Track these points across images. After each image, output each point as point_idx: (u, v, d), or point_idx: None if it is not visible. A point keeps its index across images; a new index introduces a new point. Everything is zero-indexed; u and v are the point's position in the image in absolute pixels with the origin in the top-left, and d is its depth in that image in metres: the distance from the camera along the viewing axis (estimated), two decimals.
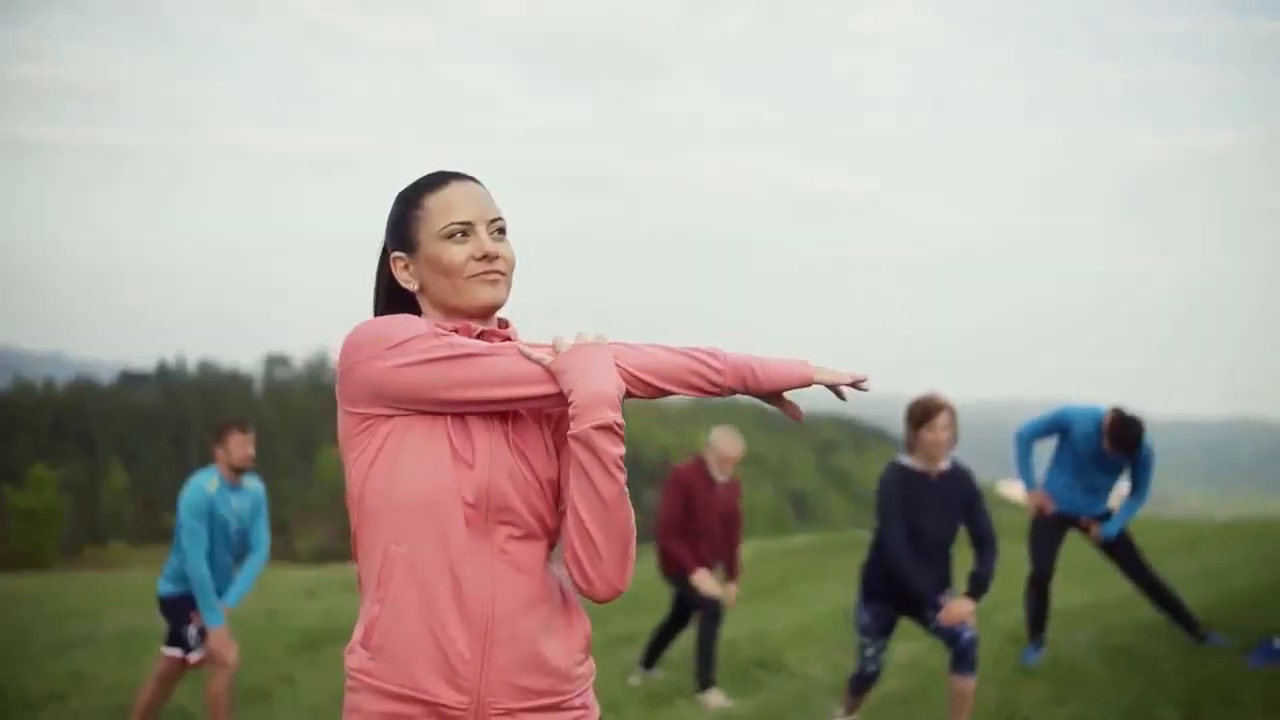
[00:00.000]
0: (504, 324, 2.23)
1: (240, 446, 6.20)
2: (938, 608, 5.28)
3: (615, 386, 2.04)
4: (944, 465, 5.43)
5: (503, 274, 2.16)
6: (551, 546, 2.17)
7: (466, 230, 2.14)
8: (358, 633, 2.12)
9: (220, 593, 6.22)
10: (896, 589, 5.39)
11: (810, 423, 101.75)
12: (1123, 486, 7.14)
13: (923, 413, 5.34)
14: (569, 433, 2.04)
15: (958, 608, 5.25)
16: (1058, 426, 7.05)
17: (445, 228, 2.14)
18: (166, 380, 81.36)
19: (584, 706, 2.17)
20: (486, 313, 2.17)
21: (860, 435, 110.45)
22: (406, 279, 2.20)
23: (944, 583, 5.42)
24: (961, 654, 5.28)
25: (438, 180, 2.19)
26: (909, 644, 7.52)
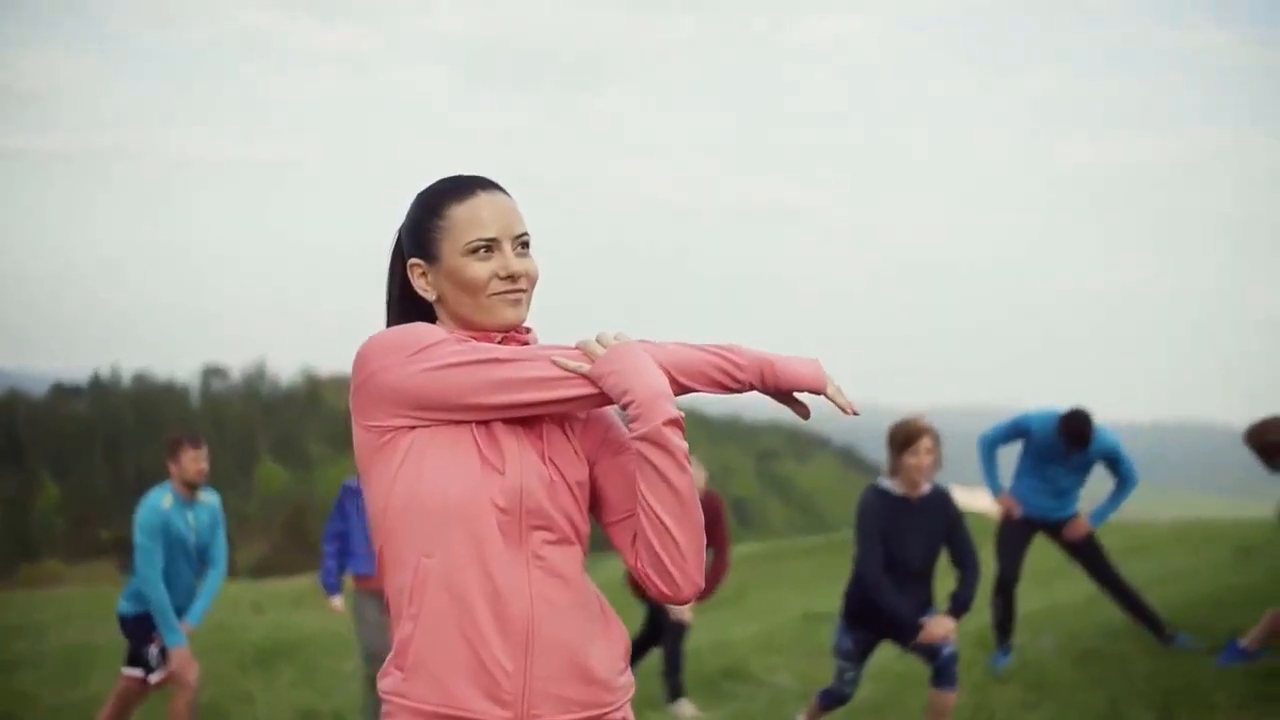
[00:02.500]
0: (524, 330, 2.15)
1: (193, 461, 6.06)
2: (917, 630, 5.23)
3: (665, 381, 1.99)
4: (925, 489, 5.38)
5: (525, 292, 2.10)
6: (585, 552, 2.10)
7: (491, 246, 2.07)
8: (391, 655, 2.03)
9: (182, 611, 6.09)
10: (878, 614, 5.33)
11: (749, 430, 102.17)
12: (1098, 493, 7.16)
13: (905, 437, 5.27)
14: (634, 434, 1.97)
15: (938, 626, 5.21)
16: (1018, 431, 7.07)
17: (470, 243, 2.06)
18: (100, 392, 79.93)
19: (625, 719, 2.10)
20: (506, 331, 2.10)
21: (801, 443, 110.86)
22: (424, 288, 2.12)
23: (925, 608, 5.36)
24: (942, 669, 5.25)
25: (464, 188, 2.10)
26: (878, 652, 7.48)
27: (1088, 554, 7.14)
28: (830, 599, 12.16)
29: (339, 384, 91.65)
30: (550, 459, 2.04)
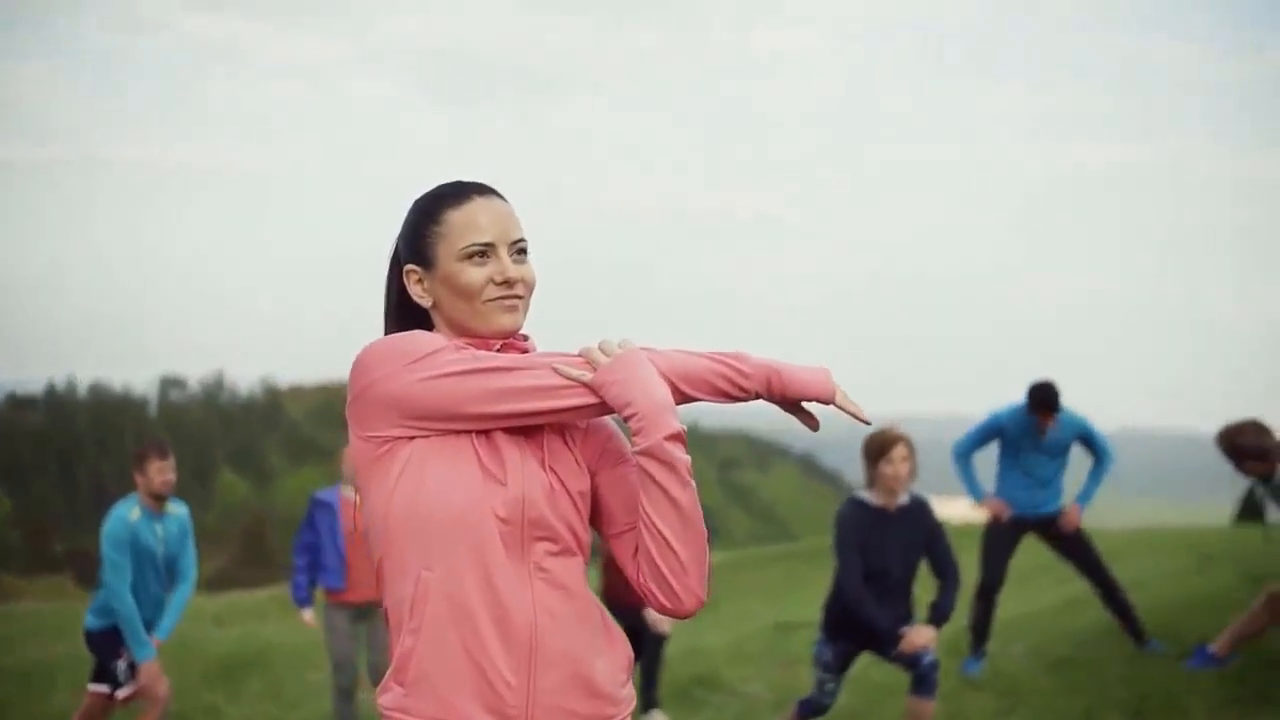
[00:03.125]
0: (523, 338, 2.13)
1: (160, 473, 5.96)
2: (898, 640, 5.23)
3: (668, 393, 1.96)
4: (903, 499, 5.37)
5: (521, 298, 2.07)
6: (586, 563, 2.07)
7: (487, 251, 2.04)
8: (390, 670, 1.99)
9: (151, 624, 6.00)
10: (859, 626, 5.32)
11: (710, 438, 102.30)
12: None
13: (879, 447, 5.26)
14: (636, 449, 1.94)
15: (918, 635, 5.21)
16: (990, 431, 7.10)
17: (465, 248, 2.03)
18: (55, 403, 79.01)
19: None
20: (503, 338, 2.07)
21: (763, 452, 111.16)
22: (420, 294, 2.09)
23: (905, 619, 5.36)
24: (922, 677, 5.25)
25: (460, 193, 2.08)
26: (855, 660, 7.48)
27: (1080, 551, 7.13)
28: (799, 608, 12.17)
29: (299, 394, 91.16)
30: (552, 469, 2.01)
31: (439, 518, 1.93)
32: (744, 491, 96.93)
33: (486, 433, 1.98)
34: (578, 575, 2.03)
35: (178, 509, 6.15)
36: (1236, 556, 10.54)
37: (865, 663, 7.48)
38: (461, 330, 2.06)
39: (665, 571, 1.97)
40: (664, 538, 1.95)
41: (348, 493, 6.69)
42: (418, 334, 2.01)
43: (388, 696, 1.99)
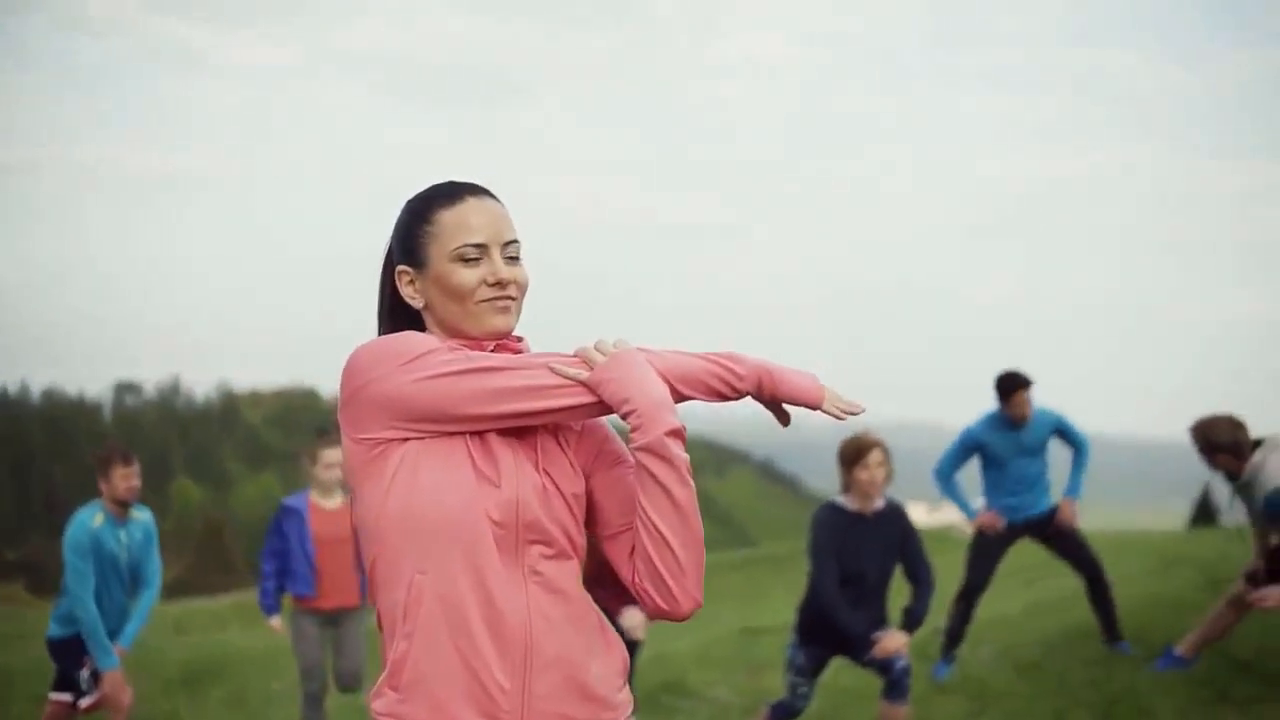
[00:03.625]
0: (516, 339, 2.11)
1: (124, 479, 5.89)
2: (871, 645, 5.23)
3: (666, 390, 1.95)
4: (879, 504, 5.39)
5: (514, 299, 2.05)
6: (580, 565, 2.05)
7: (480, 253, 2.02)
8: (383, 674, 1.97)
9: (114, 632, 5.92)
10: (832, 630, 5.32)
11: None
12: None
13: (855, 452, 5.28)
14: (634, 445, 1.93)
15: (891, 640, 5.22)
16: (967, 446, 7.10)
17: (457, 249, 2.01)
18: (8, 408, 78.04)
19: None
20: (496, 339, 2.05)
21: (723, 457, 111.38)
22: (412, 295, 2.07)
23: (880, 624, 5.36)
24: (895, 682, 5.26)
25: (452, 193, 2.06)
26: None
27: (1075, 547, 7.14)
28: (764, 613, 12.19)
29: (257, 399, 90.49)
30: (546, 471, 1.99)
31: (432, 520, 1.91)
32: (701, 496, 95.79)
33: (480, 434, 1.96)
34: (572, 578, 2.01)
35: (142, 515, 6.07)
36: (1196, 559, 10.65)
37: (835, 667, 7.47)
38: (454, 331, 2.04)
39: (663, 572, 1.95)
40: (662, 537, 1.94)
41: (316, 498, 6.63)
42: (410, 335, 1.98)
43: (381, 701, 1.96)
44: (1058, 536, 7.13)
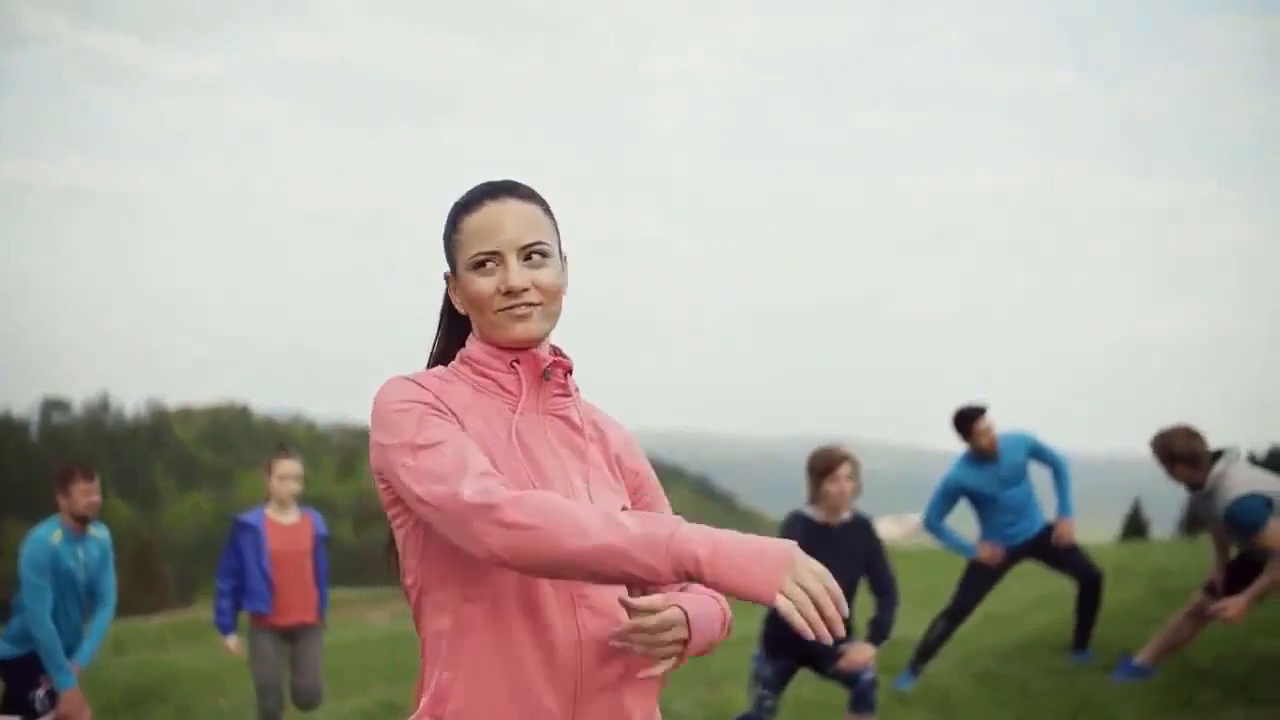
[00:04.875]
0: (560, 355, 2.05)
1: (84, 495, 5.77)
2: (837, 657, 5.25)
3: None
4: (845, 516, 5.41)
5: (535, 305, 1.95)
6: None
7: (494, 259, 1.95)
8: (425, 702, 1.91)
9: (70, 651, 5.79)
10: (798, 642, 5.33)
11: None
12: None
13: (824, 465, 5.32)
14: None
15: (858, 653, 5.25)
16: (950, 490, 7.13)
17: (473, 257, 1.95)
18: None
19: None
20: (521, 347, 1.98)
21: (657, 474, 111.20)
22: (458, 302, 2.03)
23: (845, 636, 5.37)
24: (861, 695, 5.28)
25: (475, 199, 1.99)
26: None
27: (1073, 560, 7.18)
28: None
29: (187, 417, 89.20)
30: (597, 492, 1.97)
31: None
32: None
33: (529, 456, 1.92)
34: (614, 599, 1.95)
35: (99, 532, 5.96)
36: (1138, 571, 10.81)
37: (800, 679, 7.51)
38: (487, 339, 2.00)
39: None
40: None
41: (272, 513, 6.54)
42: (392, 395, 1.91)
43: None
44: (1055, 554, 7.18)
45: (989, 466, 7.03)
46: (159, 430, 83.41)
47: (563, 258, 2.04)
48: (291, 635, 6.54)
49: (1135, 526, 50.71)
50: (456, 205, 2.02)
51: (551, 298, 1.97)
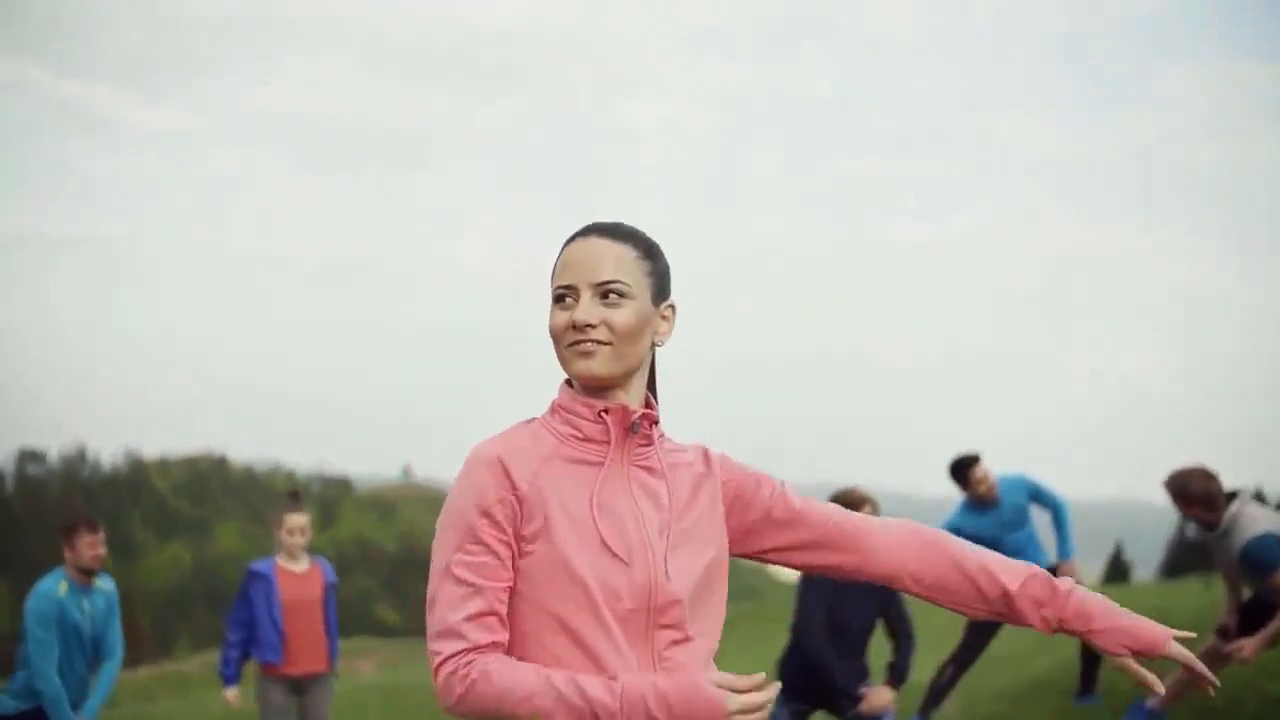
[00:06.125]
0: (650, 405, 2.03)
1: (90, 547, 5.74)
2: (857, 700, 5.23)
3: None
4: None
5: (601, 343, 1.91)
6: (714, 646, 1.97)
7: (569, 294, 1.94)
8: None
9: (76, 704, 5.72)
10: (815, 684, 5.31)
11: None
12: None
13: (845, 506, 5.30)
14: None
15: (878, 696, 5.23)
16: None
17: (555, 290, 1.96)
18: None
19: None
20: (587, 383, 1.95)
21: None
22: None
23: (863, 675, 5.37)
24: None
25: (573, 236, 2.00)
26: None
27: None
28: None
29: (165, 467, 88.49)
30: (671, 553, 1.92)
31: (556, 605, 1.86)
32: None
33: (609, 516, 1.90)
34: (703, 663, 1.93)
35: (105, 584, 5.92)
36: (1145, 611, 10.76)
37: None
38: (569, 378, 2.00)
39: None
40: None
41: (283, 561, 6.48)
42: (462, 485, 1.92)
43: None
44: None
45: (990, 511, 7.04)
46: (136, 481, 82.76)
47: (666, 305, 2.02)
48: (302, 685, 6.47)
49: (1118, 570, 50.74)
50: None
51: (623, 339, 1.92)
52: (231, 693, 6.58)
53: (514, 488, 1.88)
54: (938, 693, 7.16)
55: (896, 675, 5.38)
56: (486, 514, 1.87)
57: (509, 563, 1.87)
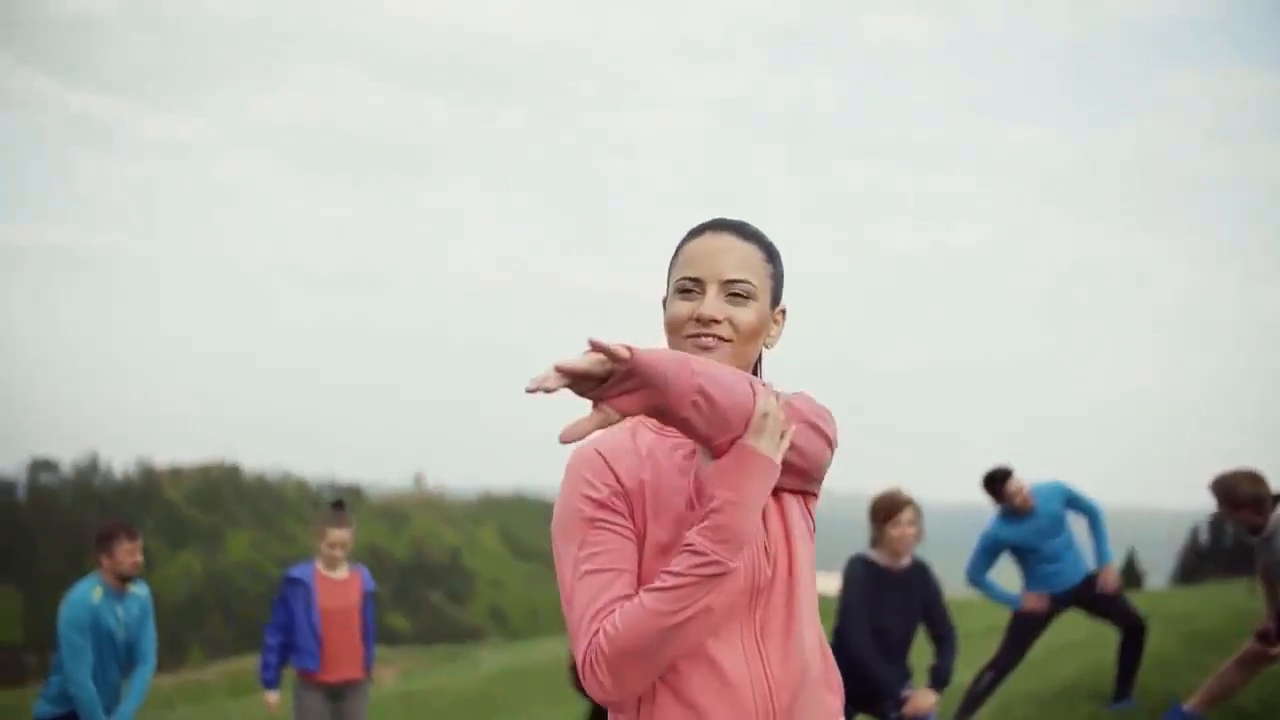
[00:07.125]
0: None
1: (128, 554, 5.76)
2: (900, 703, 5.21)
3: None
4: (906, 561, 5.40)
5: (723, 339, 1.93)
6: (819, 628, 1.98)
7: (695, 287, 1.95)
8: None
9: (109, 710, 5.73)
10: (858, 687, 5.28)
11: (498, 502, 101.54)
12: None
13: (887, 510, 5.34)
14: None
15: (921, 699, 5.22)
16: (989, 547, 7.14)
17: (677, 281, 1.98)
18: None
19: None
20: None
21: None
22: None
23: (904, 679, 5.36)
24: None
25: (700, 228, 2.02)
26: None
27: (1117, 606, 7.15)
28: None
29: (177, 476, 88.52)
30: (786, 529, 1.94)
31: None
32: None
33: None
34: (814, 641, 1.94)
35: (139, 590, 5.92)
36: (1169, 617, 10.75)
37: None
38: None
39: None
40: None
41: (322, 568, 6.46)
42: (572, 480, 1.91)
43: None
44: (1098, 601, 7.16)
45: (1027, 520, 7.03)
46: (148, 490, 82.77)
47: (779, 310, 2.04)
48: (338, 692, 6.44)
49: (1131, 577, 50.61)
50: (684, 234, 2.04)
51: (744, 339, 1.95)
52: (273, 697, 6.58)
53: (619, 480, 1.89)
54: (974, 699, 7.12)
55: (939, 678, 5.37)
56: (600, 505, 1.87)
57: (632, 549, 1.86)
